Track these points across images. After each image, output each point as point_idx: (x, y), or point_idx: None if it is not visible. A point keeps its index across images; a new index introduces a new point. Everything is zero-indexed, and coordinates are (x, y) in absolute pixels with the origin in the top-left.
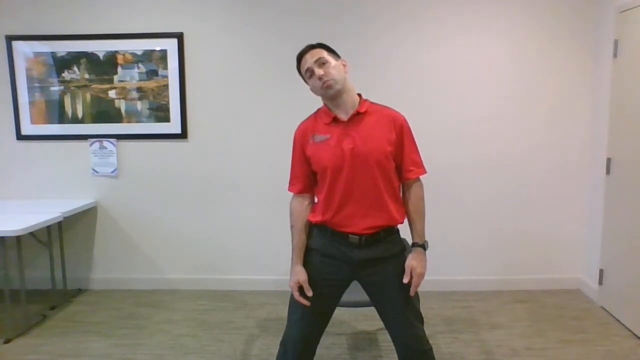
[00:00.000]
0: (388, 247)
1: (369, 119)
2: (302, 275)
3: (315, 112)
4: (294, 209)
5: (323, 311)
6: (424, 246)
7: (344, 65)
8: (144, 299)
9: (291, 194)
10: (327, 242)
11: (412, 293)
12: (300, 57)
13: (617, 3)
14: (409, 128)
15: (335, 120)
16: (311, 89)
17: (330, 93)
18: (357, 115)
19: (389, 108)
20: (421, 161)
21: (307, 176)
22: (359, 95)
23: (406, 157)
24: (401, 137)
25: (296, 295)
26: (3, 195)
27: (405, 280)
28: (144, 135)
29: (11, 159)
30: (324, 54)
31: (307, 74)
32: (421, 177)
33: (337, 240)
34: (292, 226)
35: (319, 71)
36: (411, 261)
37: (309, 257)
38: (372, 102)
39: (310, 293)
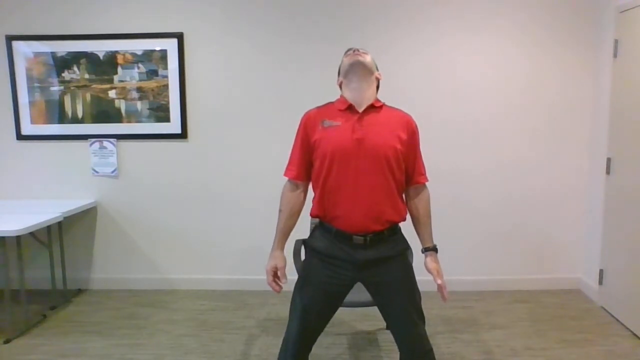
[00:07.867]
0: (392, 246)
1: (383, 115)
2: (280, 261)
3: (330, 102)
4: (284, 194)
5: (325, 311)
6: (436, 248)
7: (380, 74)
8: (144, 299)
9: (286, 179)
10: (330, 243)
11: (446, 296)
12: (350, 49)
13: (617, 3)
14: (419, 134)
15: (350, 108)
16: (339, 76)
17: (358, 61)
18: (372, 109)
19: (402, 111)
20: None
21: (304, 163)
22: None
23: (418, 161)
24: (413, 140)
25: (269, 279)
26: (3, 195)
27: (440, 281)
28: (144, 135)
29: (11, 159)
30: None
31: (347, 53)
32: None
33: (341, 241)
34: (280, 210)
35: (357, 49)
36: (432, 264)
37: (312, 258)
38: (386, 104)
39: (285, 280)
